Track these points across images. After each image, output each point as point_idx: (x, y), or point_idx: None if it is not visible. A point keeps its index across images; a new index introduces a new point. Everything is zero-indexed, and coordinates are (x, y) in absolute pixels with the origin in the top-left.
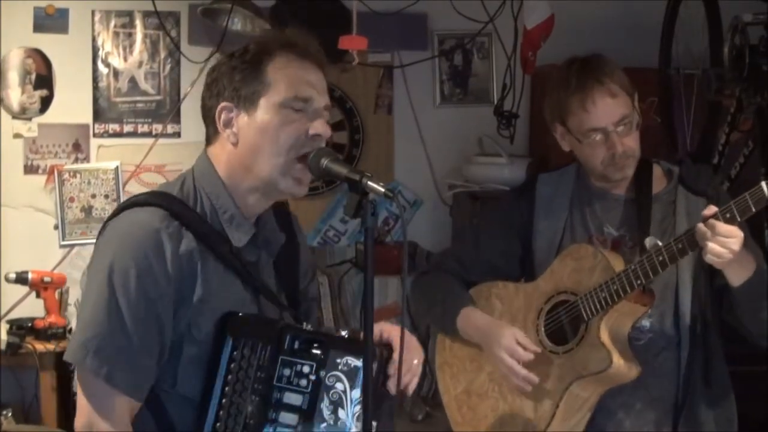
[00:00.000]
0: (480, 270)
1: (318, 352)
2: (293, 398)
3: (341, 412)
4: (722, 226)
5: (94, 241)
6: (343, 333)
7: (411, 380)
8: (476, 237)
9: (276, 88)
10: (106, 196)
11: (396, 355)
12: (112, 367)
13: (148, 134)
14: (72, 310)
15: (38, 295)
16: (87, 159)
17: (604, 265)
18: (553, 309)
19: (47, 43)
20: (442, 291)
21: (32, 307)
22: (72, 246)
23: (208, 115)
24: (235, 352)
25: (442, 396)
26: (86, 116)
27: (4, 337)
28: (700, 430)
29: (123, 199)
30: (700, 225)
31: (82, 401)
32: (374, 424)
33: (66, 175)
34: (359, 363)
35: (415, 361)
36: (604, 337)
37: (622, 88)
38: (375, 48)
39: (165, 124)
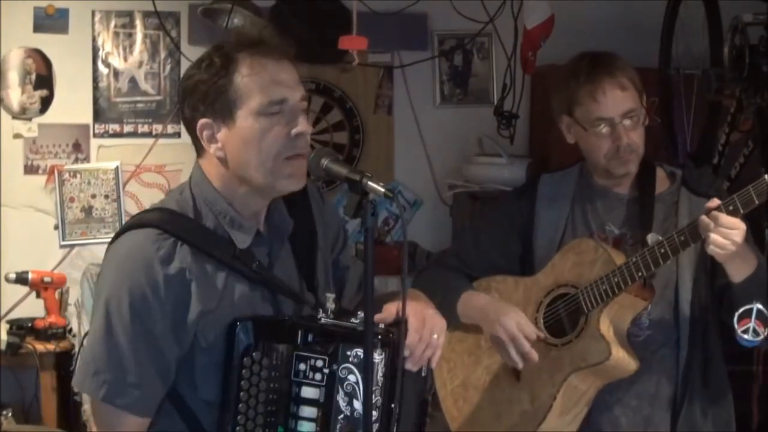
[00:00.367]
0: (480, 267)
1: (329, 346)
2: (310, 392)
3: (356, 403)
4: (725, 218)
5: (95, 241)
6: (358, 319)
7: (433, 354)
8: (477, 235)
9: (248, 97)
10: (106, 197)
11: (411, 336)
12: (111, 387)
13: (148, 134)
14: (72, 310)
15: (38, 295)
16: (87, 159)
17: (606, 259)
18: (553, 302)
19: (47, 43)
20: (442, 283)
21: (32, 307)
22: (72, 246)
23: (189, 127)
24: (245, 357)
25: (439, 391)
26: (86, 116)
27: (4, 337)
28: (697, 430)
29: (123, 199)
30: (704, 216)
31: (93, 420)
32: (394, 405)
33: (66, 175)
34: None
35: (435, 336)
36: (604, 329)
37: (631, 83)
38: (375, 48)
39: (165, 124)
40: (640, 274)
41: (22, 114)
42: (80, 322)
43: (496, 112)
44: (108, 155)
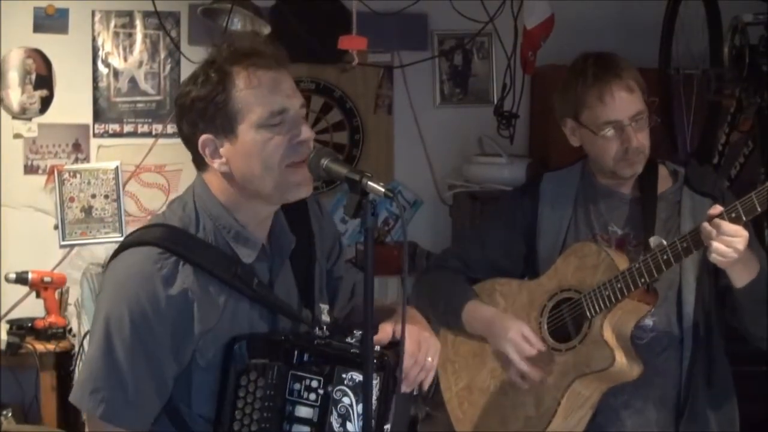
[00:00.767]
0: (483, 268)
1: (324, 367)
2: (304, 411)
3: (349, 425)
4: (727, 225)
5: (95, 241)
6: (354, 338)
7: (426, 377)
8: (479, 235)
9: (248, 111)
10: (106, 196)
11: (406, 360)
12: (109, 405)
13: (148, 134)
14: (72, 310)
15: (38, 295)
16: (87, 159)
17: (608, 263)
18: (556, 306)
19: (47, 43)
20: (445, 287)
21: (32, 307)
22: (72, 246)
23: (189, 143)
24: (242, 376)
25: (444, 393)
26: (86, 116)
27: (4, 337)
28: (701, 430)
29: (123, 199)
30: (705, 224)
31: None
32: (387, 427)
33: (66, 175)
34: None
35: (429, 359)
36: (607, 335)
37: (637, 84)
38: (375, 48)
39: (165, 124)
40: (643, 280)
41: (22, 114)
42: (80, 322)
43: (496, 112)
44: (108, 155)
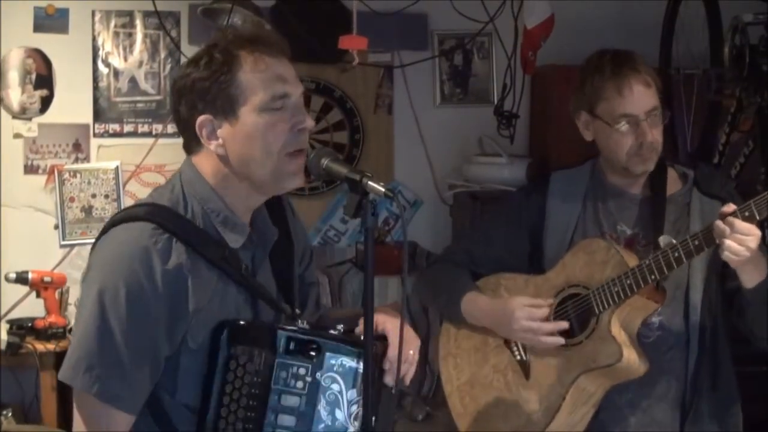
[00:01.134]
0: (488, 264)
1: (313, 353)
2: (291, 400)
3: (338, 413)
4: (741, 224)
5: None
6: (339, 328)
7: (408, 370)
8: (487, 232)
9: (252, 93)
10: (107, 196)
11: (390, 350)
12: (103, 384)
13: (148, 134)
14: (72, 310)
15: (38, 295)
16: (87, 159)
17: (618, 260)
18: (563, 302)
19: (47, 43)
20: (447, 279)
21: (32, 307)
22: (72, 246)
23: (186, 127)
24: (231, 361)
25: (445, 386)
26: (86, 116)
27: (4, 337)
28: (705, 431)
29: (123, 199)
30: (719, 222)
31: (77, 418)
32: (373, 419)
33: (66, 175)
34: (353, 363)
35: (411, 352)
36: (615, 330)
37: (653, 80)
38: (375, 48)
39: (165, 124)
40: (653, 276)
41: (22, 114)
42: None
43: (496, 112)
44: (108, 155)
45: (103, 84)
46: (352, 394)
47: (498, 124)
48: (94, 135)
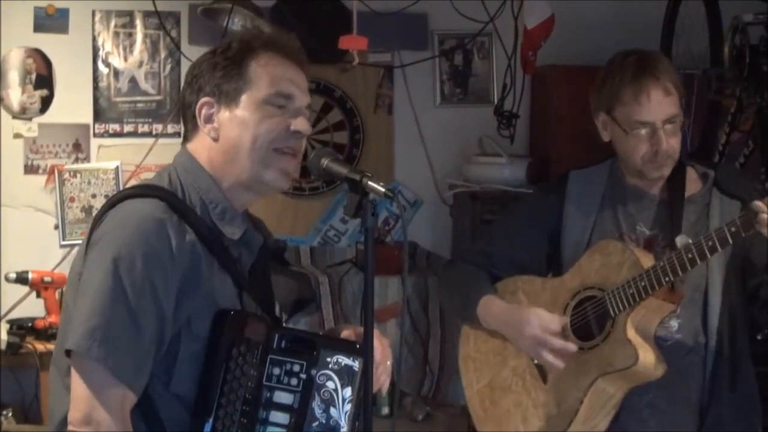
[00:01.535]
0: (506, 265)
1: (309, 350)
2: (284, 397)
3: (333, 411)
4: None
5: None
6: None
7: (386, 381)
8: (504, 231)
9: (258, 84)
10: (107, 196)
11: (376, 356)
12: (119, 358)
13: (149, 134)
14: None
15: (38, 295)
16: (87, 159)
17: (633, 261)
18: (580, 304)
19: (47, 43)
20: (464, 281)
21: (32, 307)
22: (72, 246)
23: (188, 111)
24: (233, 350)
25: (465, 390)
26: (86, 116)
27: (4, 337)
28: None
29: None
30: (756, 202)
31: (80, 392)
32: (356, 423)
33: (66, 175)
34: (350, 362)
35: (389, 362)
36: (631, 333)
37: (675, 87)
38: (375, 48)
39: (165, 124)
40: (667, 278)
41: (22, 114)
42: None
43: (496, 112)
44: (108, 155)
45: (103, 84)
46: (348, 392)
47: (498, 124)
48: (94, 135)
